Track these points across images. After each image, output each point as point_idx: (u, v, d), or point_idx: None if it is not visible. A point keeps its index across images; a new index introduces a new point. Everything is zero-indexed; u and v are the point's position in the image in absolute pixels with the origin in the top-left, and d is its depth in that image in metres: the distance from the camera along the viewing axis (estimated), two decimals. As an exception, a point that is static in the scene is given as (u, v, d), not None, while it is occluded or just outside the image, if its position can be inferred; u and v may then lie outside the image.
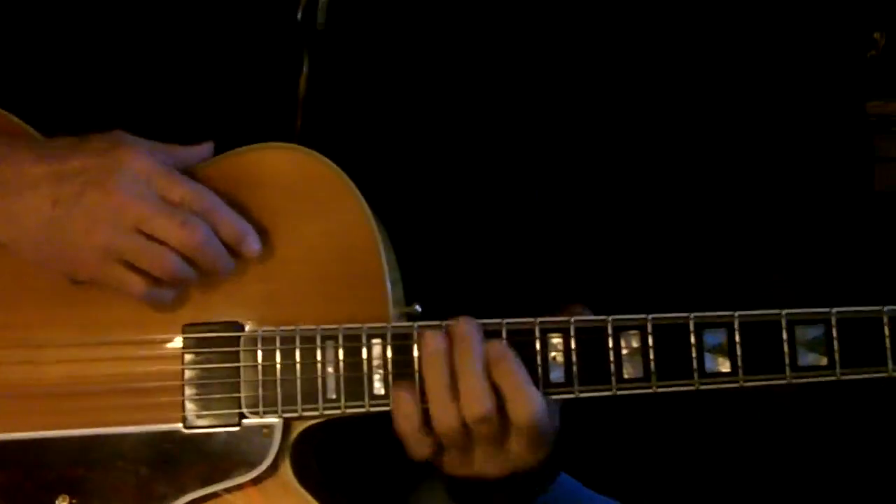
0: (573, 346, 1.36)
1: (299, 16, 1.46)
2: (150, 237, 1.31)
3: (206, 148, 1.40)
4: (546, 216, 1.49)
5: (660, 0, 1.49)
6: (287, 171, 1.39)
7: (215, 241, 1.33)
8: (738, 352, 1.36)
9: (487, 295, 1.45)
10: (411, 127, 1.48)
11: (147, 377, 1.36)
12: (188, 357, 1.36)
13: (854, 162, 1.59)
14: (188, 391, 1.35)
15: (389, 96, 1.48)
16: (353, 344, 1.36)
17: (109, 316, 1.36)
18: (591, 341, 1.36)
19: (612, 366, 1.36)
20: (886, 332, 1.36)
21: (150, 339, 1.36)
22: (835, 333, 1.36)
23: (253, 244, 1.35)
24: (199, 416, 1.35)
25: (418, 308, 1.41)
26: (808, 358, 1.36)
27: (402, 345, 1.36)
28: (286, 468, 1.36)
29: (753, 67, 1.52)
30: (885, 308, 1.36)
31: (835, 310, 1.36)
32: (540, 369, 1.36)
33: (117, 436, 1.35)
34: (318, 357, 1.36)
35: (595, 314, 1.37)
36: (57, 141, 1.36)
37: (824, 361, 1.36)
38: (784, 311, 1.36)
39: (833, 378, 1.36)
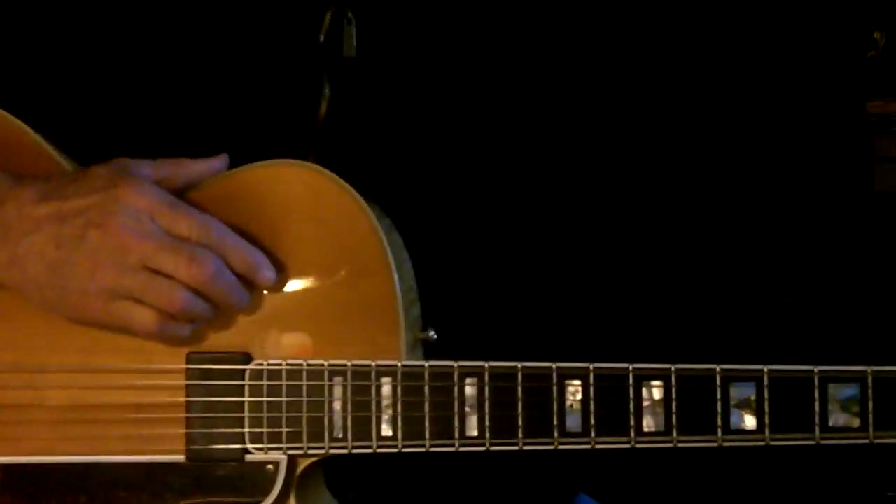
0: (591, 394, 1.30)
1: (321, 39, 1.42)
2: (157, 273, 1.27)
3: (221, 161, 1.35)
4: (569, 239, 1.45)
5: (660, 1, 1.41)
6: (300, 188, 1.33)
7: (227, 273, 1.29)
8: (766, 408, 1.29)
9: (505, 319, 1.40)
10: (429, 152, 1.44)
11: (150, 406, 1.32)
12: (192, 388, 1.32)
13: (854, 162, 1.52)
14: (191, 422, 1.32)
15: (410, 123, 1.43)
16: (362, 382, 1.31)
17: (113, 341, 1.32)
18: (610, 389, 1.30)
19: (632, 417, 1.30)
20: (925, 394, 1.28)
21: (154, 368, 1.32)
22: (870, 394, 1.29)
23: (267, 274, 1.30)
24: (201, 449, 1.32)
25: (433, 334, 1.36)
26: (840, 419, 1.29)
27: (412, 385, 1.31)
28: (291, 502, 1.33)
29: (753, 67, 1.46)
30: (926, 369, 1.29)
31: (871, 368, 1.29)
32: (556, 416, 1.30)
33: (118, 464, 1.32)
34: (326, 394, 1.31)
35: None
36: (61, 177, 1.31)
37: (856, 423, 1.29)
38: (817, 368, 1.29)
39: (865, 441, 1.30)
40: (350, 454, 1.31)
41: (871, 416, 1.29)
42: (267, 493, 1.31)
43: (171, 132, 1.41)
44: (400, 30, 1.44)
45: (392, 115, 1.45)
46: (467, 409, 1.31)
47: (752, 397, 1.29)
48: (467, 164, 1.45)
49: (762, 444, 1.30)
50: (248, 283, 1.31)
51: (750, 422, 1.30)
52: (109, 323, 1.30)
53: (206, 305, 1.29)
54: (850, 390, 1.29)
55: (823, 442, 1.29)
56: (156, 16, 1.44)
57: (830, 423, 1.29)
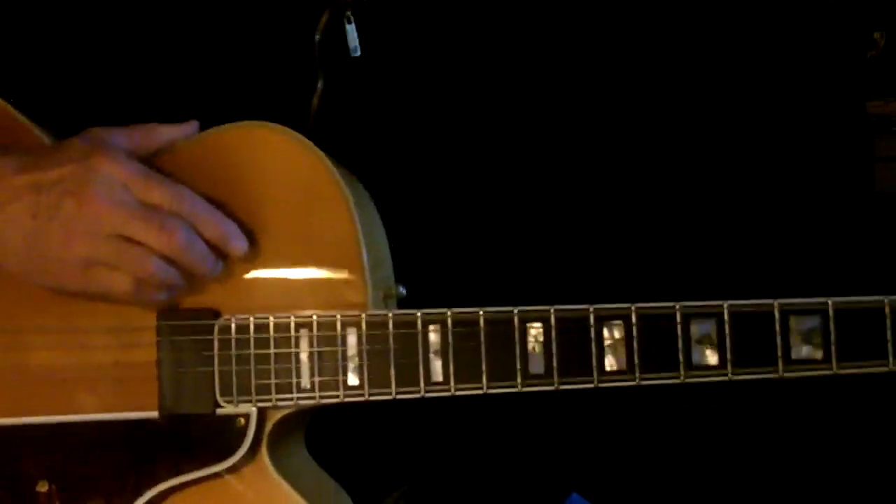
0: (553, 335, 1.31)
1: (317, 37, 1.45)
2: (130, 242, 1.30)
3: (192, 126, 1.38)
4: (557, 228, 1.47)
5: (660, 1, 1.43)
6: (266, 148, 1.36)
7: (198, 242, 1.32)
8: (728, 343, 1.29)
9: (487, 288, 1.42)
10: (418, 147, 1.47)
11: (123, 364, 1.35)
12: (162, 344, 1.35)
13: (854, 162, 1.53)
14: (163, 379, 1.34)
15: (400, 118, 1.47)
16: (327, 332, 1.33)
17: (90, 304, 1.35)
18: (572, 331, 1.31)
19: (594, 358, 1.30)
20: (888, 323, 1.28)
21: (127, 327, 1.35)
22: (832, 325, 1.28)
23: (238, 244, 1.33)
24: (173, 405, 1.34)
25: (403, 290, 1.38)
26: (803, 351, 1.29)
27: (377, 334, 1.33)
28: (263, 457, 1.35)
29: (753, 67, 1.47)
30: (887, 298, 1.28)
31: (832, 300, 1.29)
32: (519, 360, 1.31)
33: (94, 423, 1.35)
34: (292, 346, 1.33)
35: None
36: (40, 148, 1.35)
37: (819, 355, 1.29)
38: (777, 301, 1.29)
39: (829, 373, 1.29)
40: (319, 405, 1.33)
41: (833, 348, 1.28)
42: (238, 446, 1.34)
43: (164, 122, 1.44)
44: (397, 29, 1.47)
45: (384, 111, 1.48)
46: (431, 355, 1.32)
47: (714, 333, 1.29)
48: (454, 155, 1.48)
49: (725, 378, 1.30)
50: (222, 254, 1.34)
51: (712, 358, 1.30)
52: (87, 290, 1.33)
53: (178, 273, 1.32)
54: (811, 322, 1.29)
55: (787, 375, 1.29)
56: (152, 9, 1.48)
57: (793, 356, 1.29)
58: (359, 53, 1.45)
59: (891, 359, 1.27)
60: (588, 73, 1.47)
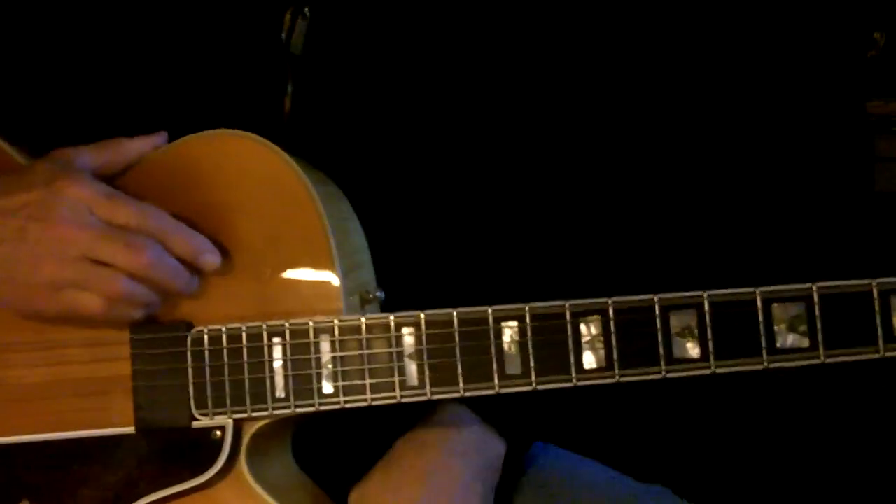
0: (529, 334, 1.27)
1: (283, 36, 1.44)
2: (98, 263, 1.29)
3: (160, 137, 1.37)
4: (539, 217, 1.44)
5: (660, 1, 1.40)
6: (233, 157, 1.34)
7: (167, 259, 1.30)
8: (709, 335, 1.24)
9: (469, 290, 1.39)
10: (393, 144, 1.44)
11: (98, 380, 1.34)
12: (136, 358, 1.33)
13: (854, 162, 1.48)
14: (138, 393, 1.33)
15: (373, 115, 1.44)
16: (300, 340, 1.31)
17: (64, 321, 1.34)
18: (548, 328, 1.27)
19: (572, 355, 1.26)
20: (876, 307, 1.22)
21: (101, 340, 1.34)
22: (817, 311, 1.23)
23: (210, 258, 1.32)
24: (149, 419, 1.32)
25: (381, 294, 1.35)
26: (789, 339, 1.24)
27: (350, 339, 1.30)
28: (242, 468, 1.32)
29: (753, 67, 1.43)
30: (875, 281, 1.23)
31: (817, 285, 1.23)
32: (494, 361, 1.28)
33: (71, 440, 1.34)
34: (266, 355, 1.31)
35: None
36: (5, 174, 1.34)
37: (806, 343, 1.23)
38: (759, 289, 1.24)
39: (817, 361, 1.23)
40: (294, 415, 1.31)
41: (820, 335, 1.23)
42: (215, 459, 1.32)
43: (134, 132, 1.43)
44: (355, 25, 1.45)
45: (359, 110, 1.46)
46: (406, 359, 1.29)
47: (694, 325, 1.25)
48: (433, 154, 1.45)
49: (708, 372, 1.25)
50: (195, 270, 1.32)
51: (693, 350, 1.25)
52: (58, 312, 1.32)
53: (149, 290, 1.31)
54: (796, 309, 1.23)
55: (773, 366, 1.24)
56: (117, 19, 1.48)
57: (778, 345, 1.24)
58: (300, 51, 1.43)
59: (881, 344, 1.22)
60: (572, 70, 1.43)
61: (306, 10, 1.43)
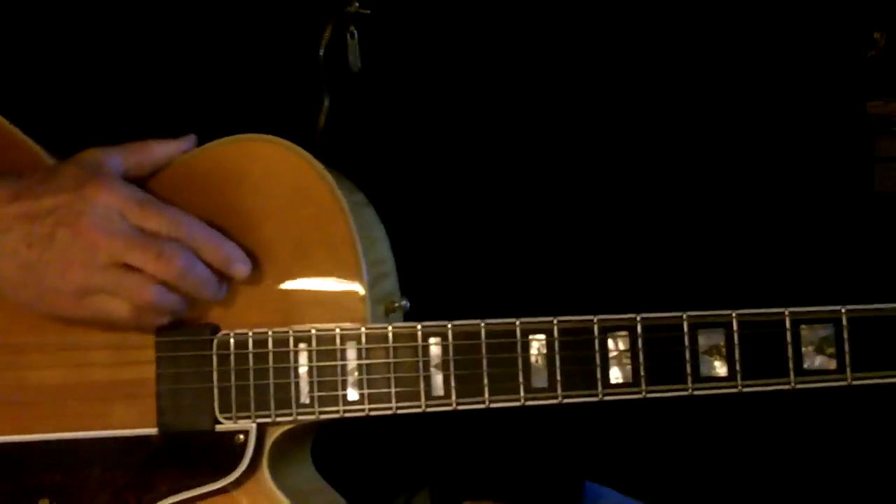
0: (556, 348, 1.27)
1: (321, 53, 1.43)
2: (129, 269, 1.28)
3: (189, 140, 1.36)
4: (564, 232, 1.44)
5: (660, 1, 1.40)
6: (263, 161, 1.34)
7: (198, 267, 1.30)
8: (737, 354, 1.25)
9: (494, 302, 1.39)
10: (424, 164, 1.45)
11: (122, 381, 1.33)
12: (161, 361, 1.33)
13: (854, 162, 1.49)
14: (162, 396, 1.32)
15: (406, 134, 1.45)
16: (326, 347, 1.31)
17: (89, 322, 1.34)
18: (575, 343, 1.27)
19: (599, 370, 1.27)
20: (904, 332, 1.23)
21: (125, 343, 1.33)
22: (846, 334, 1.23)
23: (241, 267, 1.31)
24: (172, 421, 1.32)
25: (406, 304, 1.35)
26: (816, 361, 1.24)
27: (377, 347, 1.30)
28: (264, 473, 1.32)
29: (754, 67, 1.43)
30: (903, 305, 1.23)
31: (845, 308, 1.24)
32: (521, 373, 1.28)
33: (94, 440, 1.33)
34: (291, 361, 1.31)
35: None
36: (33, 174, 1.33)
37: (833, 365, 1.24)
38: (788, 310, 1.25)
39: (843, 383, 1.24)
40: (318, 421, 1.31)
41: (847, 357, 1.24)
42: (238, 463, 1.31)
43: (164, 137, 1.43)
44: (400, 44, 1.45)
45: (389, 127, 1.46)
46: (432, 369, 1.29)
47: (722, 343, 1.25)
48: (463, 168, 1.45)
49: (735, 391, 1.25)
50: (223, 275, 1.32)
51: (721, 369, 1.25)
52: (85, 318, 1.31)
53: (179, 298, 1.30)
54: (824, 331, 1.24)
55: (799, 386, 1.24)
56: (157, 25, 1.46)
57: (805, 366, 1.24)
58: (359, 67, 1.42)
59: (908, 368, 1.23)
60: (587, 84, 1.44)
61: (353, 28, 1.42)
